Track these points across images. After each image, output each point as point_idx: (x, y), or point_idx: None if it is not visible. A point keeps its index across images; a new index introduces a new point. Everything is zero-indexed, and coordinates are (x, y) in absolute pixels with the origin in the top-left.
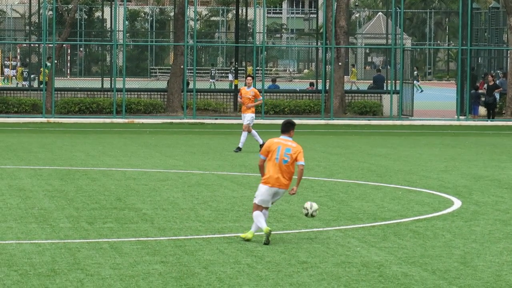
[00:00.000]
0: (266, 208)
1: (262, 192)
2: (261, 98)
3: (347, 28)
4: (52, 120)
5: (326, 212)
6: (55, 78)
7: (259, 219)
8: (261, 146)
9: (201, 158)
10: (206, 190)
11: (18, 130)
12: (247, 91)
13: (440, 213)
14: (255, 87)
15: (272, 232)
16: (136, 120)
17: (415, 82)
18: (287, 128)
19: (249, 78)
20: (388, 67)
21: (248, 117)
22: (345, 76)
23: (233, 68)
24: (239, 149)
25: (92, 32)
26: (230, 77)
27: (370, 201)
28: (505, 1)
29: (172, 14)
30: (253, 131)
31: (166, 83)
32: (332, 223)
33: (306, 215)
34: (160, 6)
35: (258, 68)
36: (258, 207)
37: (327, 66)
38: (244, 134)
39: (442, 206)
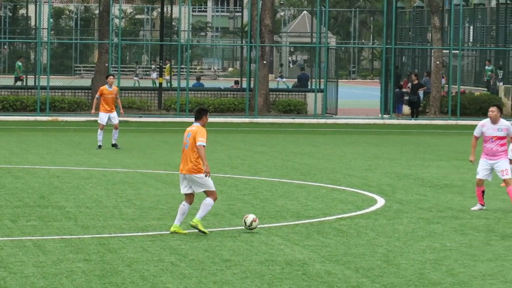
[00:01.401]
0: (187, 198)
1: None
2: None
3: (272, 26)
4: None
5: (250, 211)
6: None
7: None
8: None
9: (125, 156)
10: (130, 188)
11: None
12: (110, 90)
13: (364, 211)
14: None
15: (197, 231)
16: (60, 118)
17: (278, 79)
18: (199, 115)
19: (110, 77)
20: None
21: (116, 115)
22: (269, 75)
23: (154, 66)
24: (115, 145)
25: (16, 29)
26: (154, 75)
27: (294, 200)
28: (429, 0)
29: (97, 12)
30: (101, 131)
31: (90, 81)
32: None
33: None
34: (85, 4)
35: (182, 66)
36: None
37: (251, 65)
38: (116, 132)
39: (366, 205)
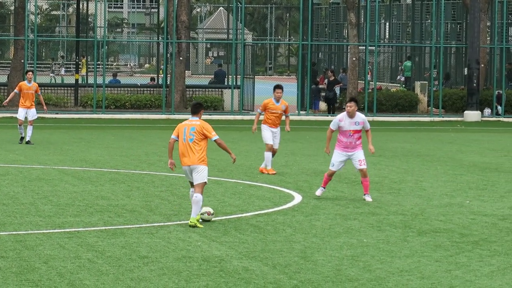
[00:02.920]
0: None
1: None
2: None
3: (188, 22)
4: None
5: (167, 207)
6: None
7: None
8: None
9: (41, 152)
10: (46, 184)
11: None
12: (29, 86)
13: (281, 207)
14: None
15: (114, 227)
16: None
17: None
18: (197, 109)
19: (30, 73)
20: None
21: (34, 112)
22: (186, 71)
23: (62, 62)
24: (26, 141)
25: None
26: (62, 71)
27: (211, 196)
28: None
29: (12, 8)
30: (20, 127)
31: (6, 77)
32: (173, 218)
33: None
34: (0, 0)
35: (99, 62)
36: (191, 184)
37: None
38: (30, 128)
39: (283, 201)
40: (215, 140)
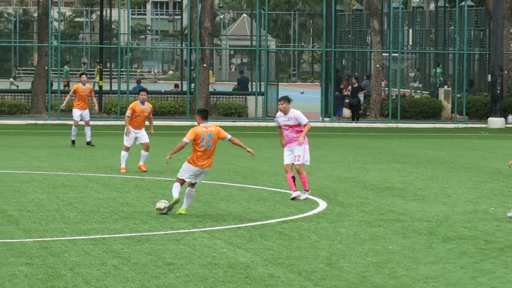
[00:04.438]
0: (193, 185)
1: (192, 170)
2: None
3: (211, 29)
4: None
5: (192, 214)
6: None
7: (175, 189)
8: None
9: (66, 159)
10: (71, 191)
11: None
12: (84, 88)
13: (306, 214)
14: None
15: (139, 234)
16: (0, 121)
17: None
18: (206, 115)
19: (83, 76)
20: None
21: (88, 113)
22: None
23: (85, 68)
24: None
25: None
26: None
27: (236, 203)
28: (368, 3)
29: (35, 14)
30: (75, 128)
31: (30, 84)
32: (198, 225)
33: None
34: (24, 7)
35: (122, 69)
36: (181, 181)
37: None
38: (88, 129)
39: (308, 208)
40: (229, 139)
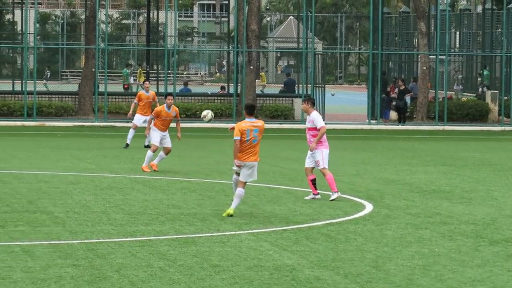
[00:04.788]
0: (244, 184)
1: (246, 167)
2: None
3: (258, 31)
4: None
5: (238, 216)
6: None
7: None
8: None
9: (112, 161)
10: (118, 193)
11: None
12: (147, 95)
13: (352, 217)
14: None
15: (185, 236)
16: (47, 123)
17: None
18: (253, 110)
19: (146, 82)
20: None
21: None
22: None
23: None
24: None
25: (2, 34)
26: (131, 80)
27: (282, 205)
28: (415, 5)
29: (83, 17)
30: (133, 130)
31: (77, 86)
32: (244, 227)
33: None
34: (71, 9)
35: (169, 71)
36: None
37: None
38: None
39: (354, 210)
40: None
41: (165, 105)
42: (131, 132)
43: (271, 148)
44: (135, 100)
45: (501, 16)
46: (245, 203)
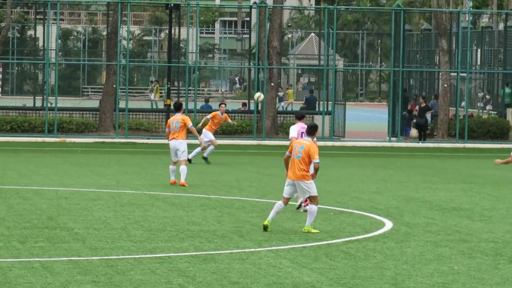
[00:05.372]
0: (285, 200)
1: (285, 184)
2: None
3: (279, 48)
4: None
5: (258, 233)
6: None
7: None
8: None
9: (133, 177)
10: (138, 209)
11: None
12: (221, 118)
13: (372, 234)
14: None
15: (205, 253)
16: (68, 139)
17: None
18: (314, 131)
19: (223, 105)
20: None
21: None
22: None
23: (151, 87)
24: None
25: (24, 50)
26: (152, 96)
27: (301, 222)
28: (437, 23)
29: (104, 33)
30: (199, 150)
31: (98, 102)
32: (263, 244)
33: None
34: (93, 25)
35: (190, 88)
36: (283, 199)
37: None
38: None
39: (374, 227)
40: (314, 163)
41: (219, 111)
42: (197, 151)
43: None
44: (209, 116)
45: None
46: (265, 220)
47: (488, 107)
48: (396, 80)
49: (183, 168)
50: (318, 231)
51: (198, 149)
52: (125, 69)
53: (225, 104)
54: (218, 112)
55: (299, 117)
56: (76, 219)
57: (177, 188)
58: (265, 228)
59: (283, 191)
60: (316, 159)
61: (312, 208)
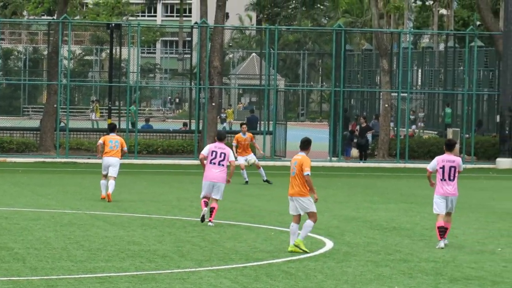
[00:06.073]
0: (295, 219)
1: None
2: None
3: (221, 68)
4: None
5: (199, 253)
6: None
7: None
8: (267, 181)
9: (73, 197)
10: (78, 229)
11: None
12: (244, 138)
13: (312, 254)
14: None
15: (145, 273)
16: (9, 159)
17: None
18: (306, 146)
19: (244, 125)
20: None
21: (253, 157)
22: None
23: (92, 107)
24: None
25: None
26: (93, 116)
27: (242, 242)
28: (378, 43)
29: (45, 52)
30: (243, 171)
31: (39, 122)
32: (204, 264)
33: None
34: (34, 45)
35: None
36: (292, 218)
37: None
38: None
39: (314, 247)
40: (305, 175)
41: (241, 132)
42: (243, 173)
43: (231, 185)
44: (234, 143)
45: (463, 54)
46: (206, 239)
47: (413, 127)
48: (337, 100)
49: (111, 182)
50: (308, 251)
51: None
52: (66, 88)
53: (246, 124)
54: (240, 134)
55: (219, 138)
56: (16, 239)
57: (118, 208)
58: (298, 246)
59: (289, 209)
60: (306, 171)
61: (308, 223)
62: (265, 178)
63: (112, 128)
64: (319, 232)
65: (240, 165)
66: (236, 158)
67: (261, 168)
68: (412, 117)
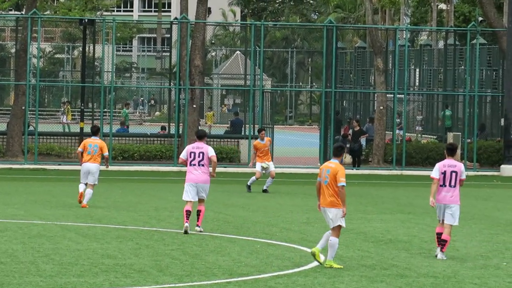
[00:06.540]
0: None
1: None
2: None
3: (202, 67)
4: None
5: (179, 267)
6: None
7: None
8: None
9: (43, 207)
10: (48, 242)
11: None
12: (263, 144)
13: (302, 268)
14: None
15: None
16: None
17: None
18: (339, 152)
19: (263, 132)
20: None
21: (271, 165)
22: (200, 120)
23: (63, 109)
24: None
25: None
26: (64, 119)
27: (226, 255)
28: (372, 40)
29: (13, 50)
30: (255, 179)
31: (5, 125)
32: (184, 279)
33: None
34: (1, 42)
35: (106, 110)
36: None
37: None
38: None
39: (304, 261)
40: (339, 186)
41: (259, 139)
42: (253, 180)
43: (214, 194)
44: (253, 150)
45: (464, 52)
46: (186, 253)
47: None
48: (328, 101)
49: (88, 191)
50: (342, 267)
51: (254, 178)
52: (35, 89)
53: (265, 130)
54: (258, 140)
55: (198, 136)
56: None
57: (91, 218)
58: (314, 255)
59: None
60: (341, 181)
61: (332, 240)
62: (265, 188)
63: (95, 131)
64: (309, 244)
65: (256, 174)
66: (254, 164)
67: (273, 179)
68: (397, 120)
